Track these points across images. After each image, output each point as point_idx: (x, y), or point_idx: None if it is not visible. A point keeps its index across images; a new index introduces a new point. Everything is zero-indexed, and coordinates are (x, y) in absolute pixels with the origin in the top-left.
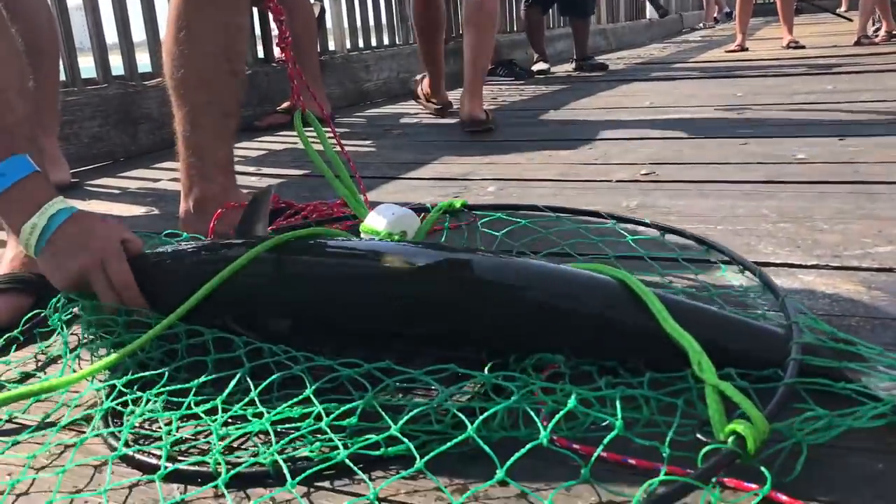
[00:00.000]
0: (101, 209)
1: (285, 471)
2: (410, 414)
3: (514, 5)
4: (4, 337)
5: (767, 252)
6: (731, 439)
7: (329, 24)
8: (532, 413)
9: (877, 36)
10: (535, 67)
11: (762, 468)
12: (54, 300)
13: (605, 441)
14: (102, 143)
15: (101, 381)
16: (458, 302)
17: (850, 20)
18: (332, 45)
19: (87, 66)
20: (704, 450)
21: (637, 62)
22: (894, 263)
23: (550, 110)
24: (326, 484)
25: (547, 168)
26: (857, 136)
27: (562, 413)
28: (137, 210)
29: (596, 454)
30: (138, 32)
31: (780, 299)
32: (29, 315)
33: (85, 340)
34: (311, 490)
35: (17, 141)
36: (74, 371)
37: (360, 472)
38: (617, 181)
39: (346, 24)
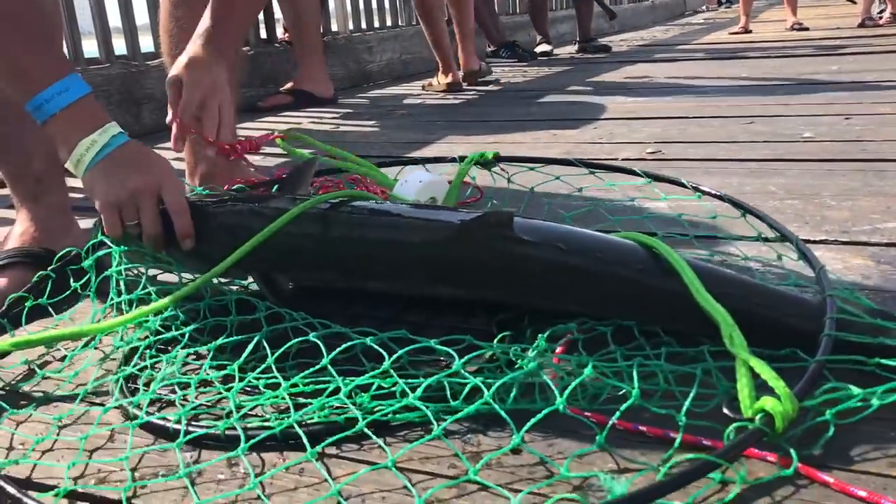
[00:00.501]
0: None
1: (304, 439)
2: (428, 381)
3: None
4: (38, 276)
5: None
6: (758, 417)
7: (332, 5)
8: (548, 381)
9: (881, 17)
10: (538, 49)
11: (791, 449)
12: (91, 240)
13: (621, 409)
14: None
15: (124, 338)
16: (489, 264)
17: (854, 2)
18: (334, 27)
19: (89, 49)
20: (731, 426)
21: (640, 44)
22: None
23: (554, 91)
24: (335, 451)
25: (552, 147)
26: (862, 114)
27: (576, 382)
28: None
29: (611, 423)
30: (141, 15)
31: (817, 270)
32: (63, 252)
33: (117, 288)
34: (322, 458)
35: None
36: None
37: (377, 439)
38: (623, 160)
39: (348, 6)
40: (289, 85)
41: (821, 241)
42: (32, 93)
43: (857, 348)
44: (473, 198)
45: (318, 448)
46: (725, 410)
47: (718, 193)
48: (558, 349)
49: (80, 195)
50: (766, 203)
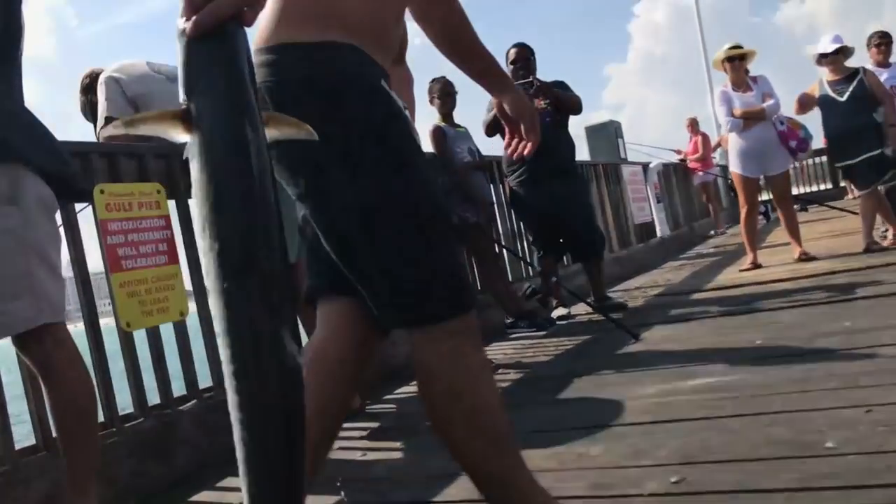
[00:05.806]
0: None
1: None
2: None
3: (529, 254)
4: None
5: None
6: None
7: None
8: None
9: (885, 239)
10: (556, 314)
11: None
12: None
13: None
14: (142, 478)
15: None
16: None
17: (855, 213)
18: None
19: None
20: None
21: (654, 293)
22: None
23: (575, 377)
24: None
25: (578, 477)
26: (883, 404)
27: None
28: None
29: None
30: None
31: None
32: None
33: None
34: None
35: None
36: None
37: None
38: (650, 495)
39: None
40: None
41: None
42: None
43: None
44: None
45: None
46: None
47: None
48: None
49: None
50: None
